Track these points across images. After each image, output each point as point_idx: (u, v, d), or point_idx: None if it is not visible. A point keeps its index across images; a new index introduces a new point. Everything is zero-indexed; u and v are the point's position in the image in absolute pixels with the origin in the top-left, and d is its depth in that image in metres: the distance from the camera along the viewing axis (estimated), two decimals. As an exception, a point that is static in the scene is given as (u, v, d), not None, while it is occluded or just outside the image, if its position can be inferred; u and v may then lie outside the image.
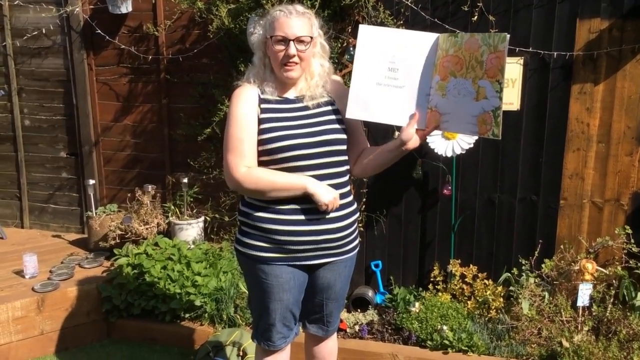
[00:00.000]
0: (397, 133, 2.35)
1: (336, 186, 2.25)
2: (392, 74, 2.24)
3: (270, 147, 2.18)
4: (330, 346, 2.62)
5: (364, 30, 2.25)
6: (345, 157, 2.30)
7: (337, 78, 2.45)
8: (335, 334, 2.63)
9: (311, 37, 2.20)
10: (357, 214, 2.38)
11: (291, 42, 2.15)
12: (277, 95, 2.25)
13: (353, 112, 2.25)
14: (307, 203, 2.19)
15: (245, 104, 2.21)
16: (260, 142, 2.20)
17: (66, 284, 3.66)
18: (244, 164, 2.18)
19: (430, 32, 2.25)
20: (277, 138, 2.18)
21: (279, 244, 2.22)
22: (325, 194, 2.19)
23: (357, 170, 2.40)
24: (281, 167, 2.19)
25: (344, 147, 2.29)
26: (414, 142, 2.21)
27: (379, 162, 2.33)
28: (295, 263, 2.27)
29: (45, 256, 4.08)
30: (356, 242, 2.41)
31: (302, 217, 2.21)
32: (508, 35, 2.07)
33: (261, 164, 2.21)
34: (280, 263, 2.25)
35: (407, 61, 2.22)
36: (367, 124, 2.95)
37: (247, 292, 2.51)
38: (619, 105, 3.32)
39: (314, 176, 2.20)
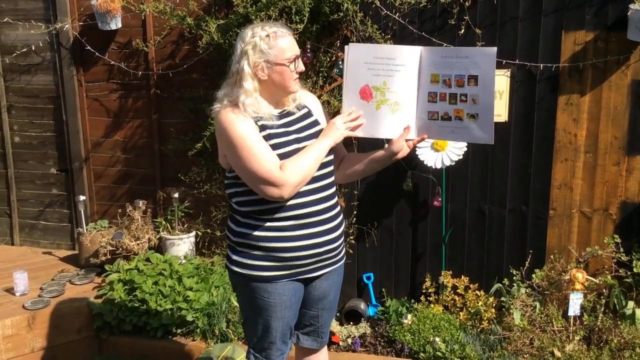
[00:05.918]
0: (385, 145, 2.39)
1: (328, 197, 2.28)
2: (381, 88, 2.29)
3: None
4: (322, 359, 2.62)
5: (351, 48, 2.32)
6: (332, 167, 2.34)
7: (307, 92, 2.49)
8: (326, 346, 2.63)
9: None
10: (344, 221, 2.44)
11: (299, 59, 2.20)
12: (273, 116, 2.21)
13: None
14: (306, 217, 2.21)
15: (247, 124, 2.14)
16: None
17: (57, 301, 3.64)
18: (277, 167, 2.12)
19: (414, 46, 2.32)
20: (282, 155, 2.17)
21: (284, 261, 2.22)
22: (342, 128, 2.26)
23: (340, 178, 2.45)
24: None
25: (331, 157, 2.32)
26: (403, 152, 2.31)
27: (366, 170, 2.43)
28: (298, 278, 2.28)
29: (35, 273, 4.05)
30: (345, 249, 2.49)
31: (304, 231, 2.22)
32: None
33: None
34: (284, 280, 2.25)
35: (395, 75, 2.28)
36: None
37: (239, 308, 2.50)
38: (605, 115, 3.36)
39: (310, 190, 2.21)
